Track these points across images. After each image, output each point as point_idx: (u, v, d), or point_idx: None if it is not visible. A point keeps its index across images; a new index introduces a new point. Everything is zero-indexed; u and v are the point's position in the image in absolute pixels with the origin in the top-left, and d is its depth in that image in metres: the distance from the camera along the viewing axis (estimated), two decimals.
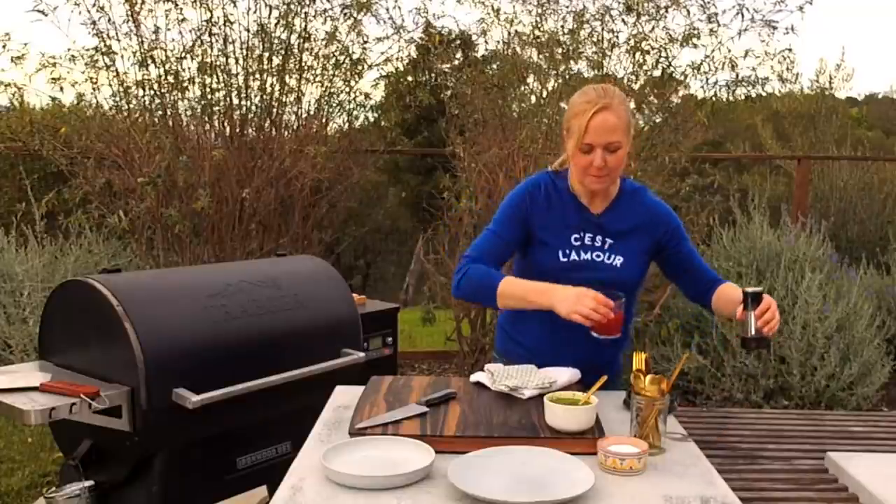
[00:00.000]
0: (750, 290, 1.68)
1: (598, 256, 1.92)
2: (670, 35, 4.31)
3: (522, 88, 4.68)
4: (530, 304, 1.76)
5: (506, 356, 2.06)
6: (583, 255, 1.91)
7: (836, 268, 4.89)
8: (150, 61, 4.24)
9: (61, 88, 4.31)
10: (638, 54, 4.30)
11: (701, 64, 4.37)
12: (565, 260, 1.90)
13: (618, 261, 1.92)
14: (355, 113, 4.84)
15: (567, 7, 4.42)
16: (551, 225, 1.91)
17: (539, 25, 4.46)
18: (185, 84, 4.27)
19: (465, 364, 4.53)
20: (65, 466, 2.41)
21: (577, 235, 1.91)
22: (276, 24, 4.35)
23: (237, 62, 4.34)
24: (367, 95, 4.77)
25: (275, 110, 4.45)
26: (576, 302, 1.65)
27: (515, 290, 1.78)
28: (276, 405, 2.49)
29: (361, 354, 2.72)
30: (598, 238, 1.92)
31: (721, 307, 1.92)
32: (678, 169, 4.66)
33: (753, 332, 1.67)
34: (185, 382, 2.20)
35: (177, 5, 4.22)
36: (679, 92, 4.62)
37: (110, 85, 4.32)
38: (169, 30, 4.26)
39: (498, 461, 1.43)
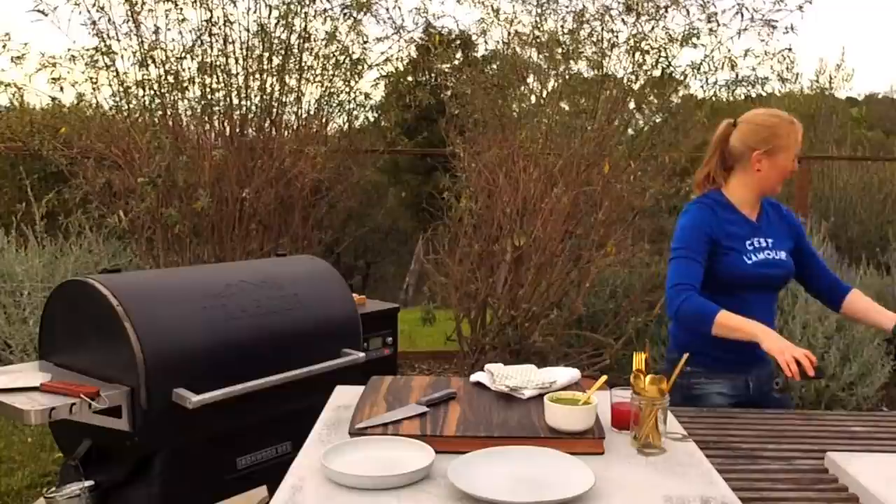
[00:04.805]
0: None
1: (770, 254, 2.24)
2: (670, 35, 4.31)
3: (522, 88, 4.68)
4: (741, 334, 2.04)
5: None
6: (761, 255, 2.22)
7: (836, 268, 4.89)
8: (150, 61, 4.24)
9: (61, 88, 4.31)
10: (638, 54, 4.30)
11: (701, 64, 4.37)
12: (750, 262, 2.20)
13: (783, 255, 2.27)
14: (355, 113, 4.85)
15: (567, 7, 4.42)
16: (732, 234, 2.21)
17: (539, 25, 4.46)
18: (185, 84, 4.27)
19: (465, 364, 4.52)
20: (65, 466, 2.40)
21: (749, 241, 2.23)
22: (276, 24, 4.35)
23: (237, 62, 4.34)
24: (367, 95, 4.77)
25: (275, 110, 4.45)
26: (789, 346, 1.94)
27: (731, 322, 2.05)
28: (276, 405, 2.49)
29: (361, 354, 2.72)
30: (763, 240, 2.25)
31: (857, 318, 2.46)
32: (678, 169, 4.66)
33: None
34: (185, 382, 2.20)
35: (177, 5, 4.22)
36: (679, 92, 4.62)
37: (110, 85, 4.33)
38: (169, 30, 4.27)
39: (498, 461, 1.43)
